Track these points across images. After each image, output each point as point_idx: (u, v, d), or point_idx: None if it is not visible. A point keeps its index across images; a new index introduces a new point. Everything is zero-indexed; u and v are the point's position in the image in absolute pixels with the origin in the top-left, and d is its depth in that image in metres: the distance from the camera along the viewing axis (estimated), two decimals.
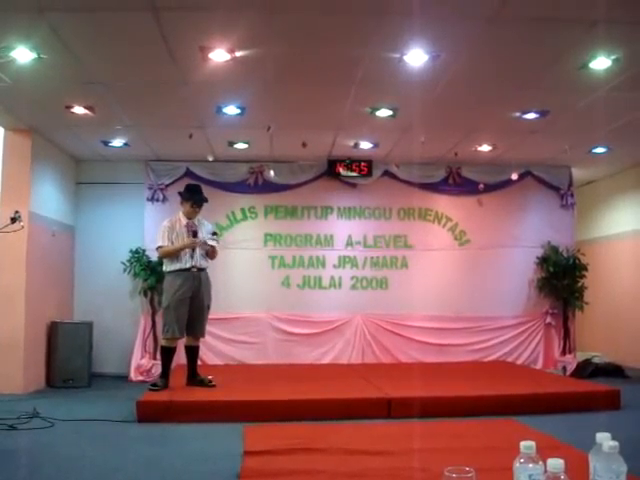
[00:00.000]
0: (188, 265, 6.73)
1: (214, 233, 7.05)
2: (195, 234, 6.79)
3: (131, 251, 8.94)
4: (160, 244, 6.83)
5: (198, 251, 6.78)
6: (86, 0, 4.46)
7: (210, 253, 6.91)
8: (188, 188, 7.15)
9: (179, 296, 6.67)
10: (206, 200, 7.11)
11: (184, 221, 6.87)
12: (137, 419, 5.77)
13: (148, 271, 8.80)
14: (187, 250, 6.74)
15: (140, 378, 8.58)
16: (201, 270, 6.82)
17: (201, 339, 7.10)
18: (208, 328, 8.44)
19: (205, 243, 6.81)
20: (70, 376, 8.09)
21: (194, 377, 6.85)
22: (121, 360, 8.85)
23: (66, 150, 8.78)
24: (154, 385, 6.56)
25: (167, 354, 6.83)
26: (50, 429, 5.47)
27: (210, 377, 6.91)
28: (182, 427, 5.51)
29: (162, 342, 6.96)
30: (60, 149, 8.65)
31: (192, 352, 6.97)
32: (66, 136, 8.07)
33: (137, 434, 5.36)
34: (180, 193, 7.11)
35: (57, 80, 6.01)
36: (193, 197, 6.94)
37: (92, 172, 9.35)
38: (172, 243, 6.77)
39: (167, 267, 6.84)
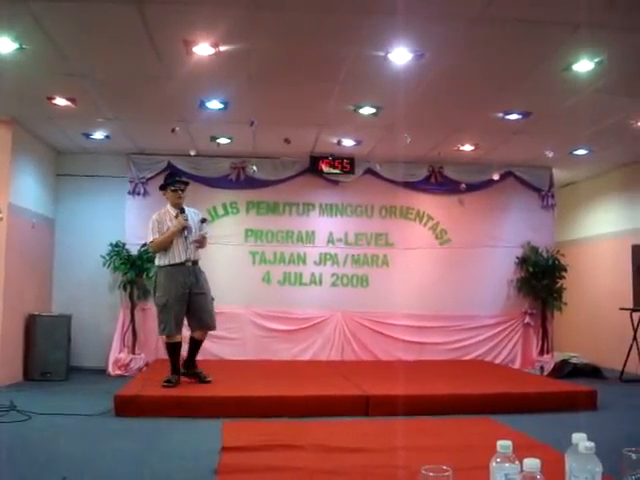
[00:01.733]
0: (183, 259, 6.56)
1: (203, 220, 6.91)
2: (182, 211, 6.63)
3: (111, 245, 8.89)
4: (151, 238, 6.66)
5: (190, 244, 6.62)
6: None
7: (201, 242, 6.78)
8: (165, 176, 7.11)
9: (175, 293, 6.49)
10: (186, 182, 6.96)
11: (173, 212, 6.67)
12: (115, 413, 5.75)
13: (128, 265, 8.76)
14: (180, 243, 6.57)
15: (118, 372, 8.54)
16: (195, 263, 6.69)
17: (209, 332, 6.93)
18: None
19: (191, 226, 6.66)
20: (48, 369, 8.03)
21: (192, 368, 6.74)
22: (99, 354, 8.80)
23: (47, 142, 8.71)
24: (168, 381, 6.40)
25: (171, 349, 6.66)
26: (27, 422, 5.43)
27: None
28: (160, 422, 5.49)
29: (164, 339, 6.86)
30: (41, 140, 8.58)
31: (196, 345, 6.81)
32: (47, 128, 8.01)
33: (115, 428, 5.33)
34: (160, 187, 6.98)
35: (39, 71, 5.96)
36: (171, 181, 6.80)
37: (73, 164, 9.29)
38: None
39: (160, 261, 6.66)
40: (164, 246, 6.59)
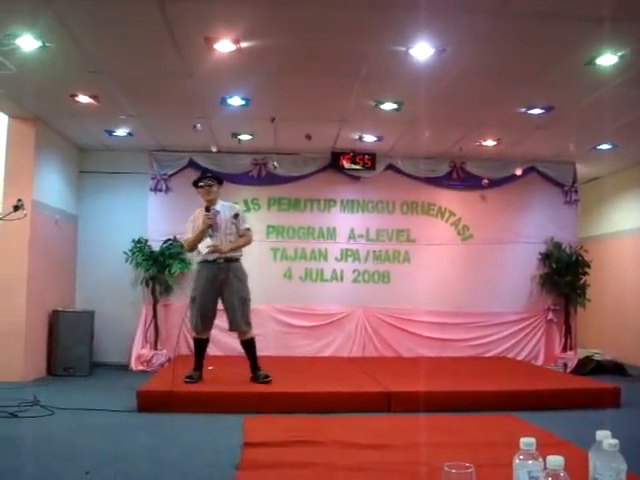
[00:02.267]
0: (211, 257, 6.48)
1: (236, 215, 6.63)
2: (207, 209, 6.47)
3: (133, 241, 8.95)
4: (185, 237, 6.67)
5: (220, 237, 6.48)
6: None
7: (244, 245, 6.65)
8: (199, 176, 6.93)
9: (203, 289, 6.45)
10: (215, 178, 6.73)
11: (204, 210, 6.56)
12: (137, 409, 5.78)
13: (150, 261, 8.81)
14: (210, 239, 6.45)
15: (140, 368, 8.60)
16: (230, 261, 6.49)
17: (250, 332, 6.63)
18: None
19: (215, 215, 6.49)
20: (71, 365, 8.10)
21: (253, 372, 6.56)
22: (122, 349, 8.86)
23: (70, 139, 8.77)
24: (189, 377, 6.40)
25: (196, 345, 6.66)
26: (50, 417, 5.48)
27: (210, 367, 6.90)
28: (182, 417, 5.52)
29: (193, 334, 6.81)
30: (64, 138, 8.64)
31: (244, 346, 6.62)
32: (70, 125, 8.06)
33: (137, 424, 5.36)
34: (193, 185, 6.81)
35: (62, 69, 6.00)
36: (199, 178, 6.71)
37: (95, 161, 9.35)
38: None
39: (196, 257, 6.67)
40: (194, 244, 6.56)
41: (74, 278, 9.18)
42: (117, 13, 4.82)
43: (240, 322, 6.51)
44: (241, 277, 6.59)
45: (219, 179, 6.81)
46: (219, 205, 6.64)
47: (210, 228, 6.47)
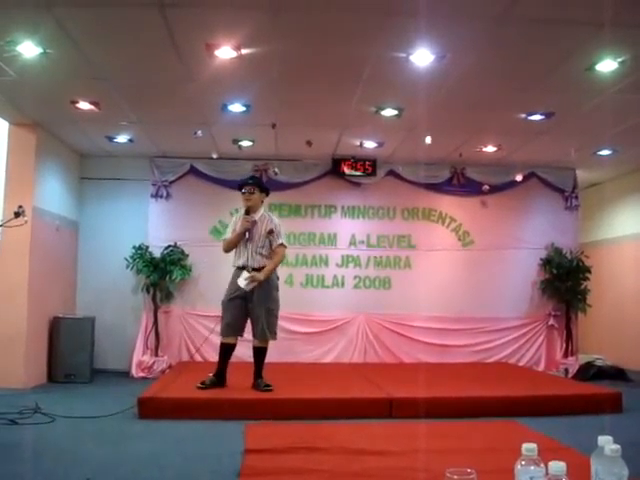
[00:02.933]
0: (240, 263, 6.47)
1: (270, 231, 6.54)
2: (247, 212, 6.48)
3: (134, 247, 8.95)
4: (224, 237, 6.73)
5: (251, 248, 6.46)
6: None
7: (277, 265, 6.60)
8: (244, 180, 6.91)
9: (230, 294, 6.49)
10: (257, 185, 6.68)
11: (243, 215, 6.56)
12: (138, 415, 5.77)
13: (151, 268, 8.81)
14: (241, 247, 6.48)
15: (141, 374, 8.60)
16: (258, 270, 6.41)
17: (268, 342, 6.60)
18: (208, 324, 8.52)
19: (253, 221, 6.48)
20: (72, 371, 8.10)
21: (255, 379, 6.53)
22: (123, 356, 8.86)
23: (70, 145, 8.78)
24: (202, 383, 6.40)
25: (221, 350, 6.65)
26: (51, 424, 5.46)
27: (211, 374, 6.88)
28: (183, 424, 5.50)
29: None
30: (64, 144, 8.65)
31: (255, 351, 6.60)
32: (71, 131, 8.08)
33: (138, 430, 5.35)
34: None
35: (62, 75, 6.01)
36: (241, 183, 6.69)
37: (96, 168, 9.36)
38: None
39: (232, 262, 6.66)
40: (230, 246, 6.58)
41: (75, 284, 9.17)
42: (118, 19, 4.83)
43: (265, 331, 6.47)
44: (267, 287, 6.50)
45: (263, 187, 6.79)
46: (259, 215, 6.62)
47: (248, 232, 6.48)
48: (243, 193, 6.59)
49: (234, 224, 6.65)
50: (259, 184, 6.78)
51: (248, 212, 6.52)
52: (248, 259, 6.46)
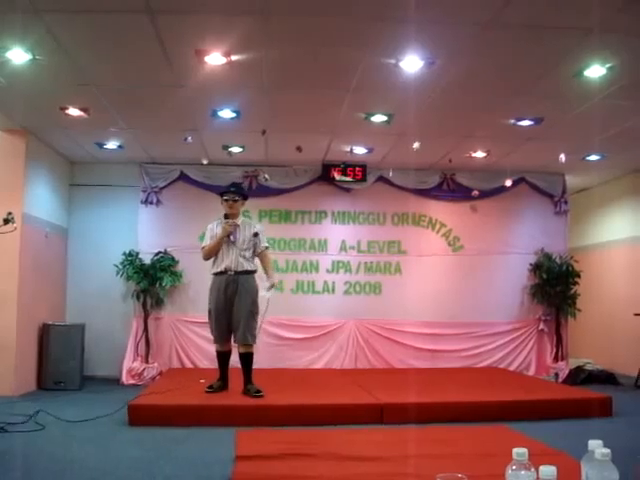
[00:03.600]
0: (222, 268, 6.53)
1: (255, 234, 6.66)
2: (226, 216, 6.55)
3: (124, 254, 8.92)
4: (202, 244, 6.74)
5: (235, 252, 6.53)
6: (82, 1, 4.46)
7: (261, 259, 6.72)
8: (227, 186, 7.02)
9: (216, 301, 6.53)
10: (241, 195, 6.77)
11: (224, 220, 6.61)
12: (129, 422, 5.75)
13: (141, 274, 8.79)
14: (223, 252, 6.53)
15: (132, 381, 8.56)
16: (240, 273, 6.52)
17: (252, 346, 6.63)
18: (198, 330, 8.53)
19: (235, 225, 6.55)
20: (61, 378, 8.06)
21: (245, 385, 6.55)
22: (113, 363, 8.82)
23: (60, 151, 8.76)
24: (209, 387, 6.57)
25: (218, 357, 6.79)
26: (41, 432, 5.44)
27: (202, 380, 6.90)
28: (174, 431, 5.49)
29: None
30: (54, 150, 8.63)
31: (242, 359, 6.63)
32: (60, 137, 8.06)
33: (128, 437, 5.33)
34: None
35: (52, 81, 6.00)
36: (225, 191, 6.76)
37: (86, 174, 9.34)
38: None
39: (211, 269, 6.69)
40: (211, 253, 6.61)
41: (64, 291, 9.14)
42: (108, 26, 4.83)
43: (247, 335, 6.52)
44: (250, 290, 6.58)
45: (245, 195, 6.88)
46: (240, 220, 6.72)
47: (229, 236, 6.54)
48: (227, 201, 6.65)
49: (211, 231, 6.68)
50: (242, 192, 6.87)
51: (227, 217, 6.58)
52: (232, 263, 6.52)
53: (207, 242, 6.66)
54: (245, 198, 6.85)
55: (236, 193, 6.73)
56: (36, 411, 5.98)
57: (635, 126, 7.17)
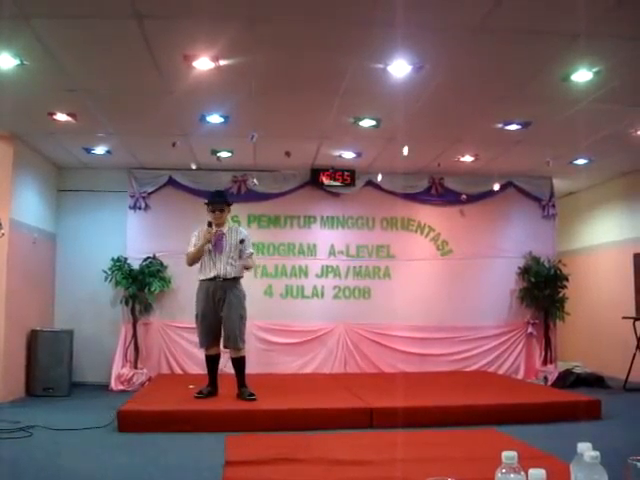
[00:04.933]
0: (211, 274, 6.56)
1: (241, 241, 6.70)
2: (210, 224, 6.58)
3: (113, 259, 8.89)
4: (187, 251, 6.75)
5: (223, 259, 6.59)
6: (70, 7, 4.44)
7: (247, 266, 6.77)
8: (210, 194, 7.05)
9: (203, 307, 6.58)
10: (227, 203, 6.83)
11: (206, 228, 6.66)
12: (118, 429, 5.72)
13: (129, 280, 8.75)
14: (209, 259, 6.59)
15: (121, 387, 8.52)
16: (227, 280, 6.58)
17: (243, 350, 6.70)
18: (187, 336, 8.54)
19: (220, 232, 6.60)
20: (50, 385, 8.02)
21: (239, 389, 6.60)
22: (102, 369, 8.78)
23: (48, 157, 8.73)
24: (199, 392, 6.57)
25: (207, 362, 6.81)
26: (29, 438, 5.41)
27: (191, 386, 6.88)
28: (163, 437, 5.47)
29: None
30: (42, 156, 8.60)
31: (234, 363, 6.71)
32: (48, 143, 8.03)
33: (117, 444, 5.31)
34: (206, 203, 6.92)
35: (40, 87, 5.98)
36: (211, 201, 6.79)
37: (74, 179, 9.31)
38: None
39: (198, 275, 6.74)
40: (194, 259, 6.67)
41: (53, 297, 9.10)
42: (95, 31, 4.81)
43: (237, 339, 6.58)
44: (239, 295, 6.66)
45: (229, 202, 6.91)
46: (226, 227, 6.76)
47: (210, 244, 6.57)
48: (213, 211, 6.70)
49: (195, 238, 6.73)
50: (227, 200, 6.91)
51: (210, 224, 6.61)
52: (220, 270, 6.57)
53: (191, 249, 6.69)
54: (230, 205, 6.91)
55: (222, 203, 6.78)
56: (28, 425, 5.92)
57: (622, 130, 7.22)
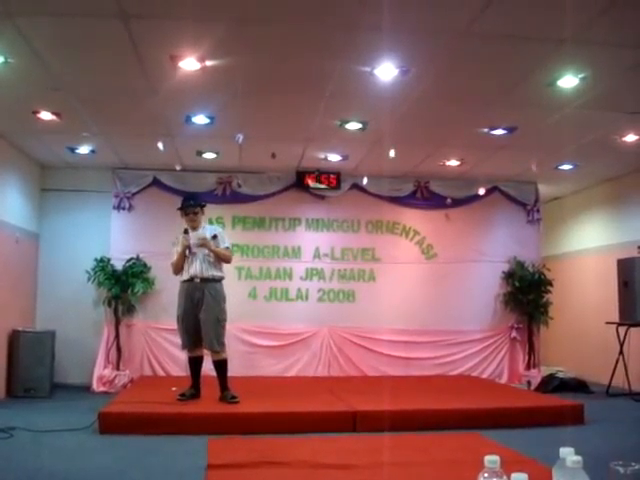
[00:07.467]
0: (188, 276, 6.58)
1: (214, 236, 6.69)
2: (186, 231, 6.59)
3: (96, 260, 8.84)
4: (171, 261, 6.74)
5: (200, 260, 6.56)
6: (55, 5, 4.41)
7: (221, 257, 6.70)
8: (183, 199, 7.03)
9: (184, 308, 6.57)
10: (200, 206, 6.81)
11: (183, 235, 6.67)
12: (99, 430, 5.68)
13: (113, 280, 8.70)
14: (187, 261, 6.58)
15: (103, 389, 8.47)
16: (206, 280, 6.57)
17: (223, 353, 6.65)
18: (170, 338, 8.51)
19: (204, 239, 6.54)
20: (31, 386, 7.95)
21: (221, 392, 6.57)
22: (84, 370, 8.71)
23: (31, 156, 8.67)
24: (181, 395, 6.51)
25: (189, 364, 6.81)
26: (9, 439, 5.36)
27: (173, 388, 6.84)
28: (145, 439, 5.43)
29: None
30: (25, 155, 8.53)
31: (215, 366, 6.68)
32: (32, 142, 7.97)
33: (99, 446, 5.28)
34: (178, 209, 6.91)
35: (24, 85, 5.94)
36: (184, 205, 6.79)
37: (58, 179, 9.25)
38: None
39: (180, 277, 6.76)
40: (178, 268, 6.68)
41: (35, 297, 9.03)
42: (81, 29, 4.78)
43: (213, 342, 6.54)
44: (217, 297, 6.63)
45: (202, 204, 6.89)
46: (201, 229, 6.75)
47: (188, 249, 6.56)
48: (187, 215, 6.71)
49: (174, 246, 6.75)
50: (199, 203, 6.88)
51: (187, 230, 6.62)
52: (197, 270, 6.56)
53: (173, 257, 6.69)
54: (203, 207, 6.88)
55: (195, 206, 6.77)
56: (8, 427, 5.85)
57: (607, 136, 7.26)
